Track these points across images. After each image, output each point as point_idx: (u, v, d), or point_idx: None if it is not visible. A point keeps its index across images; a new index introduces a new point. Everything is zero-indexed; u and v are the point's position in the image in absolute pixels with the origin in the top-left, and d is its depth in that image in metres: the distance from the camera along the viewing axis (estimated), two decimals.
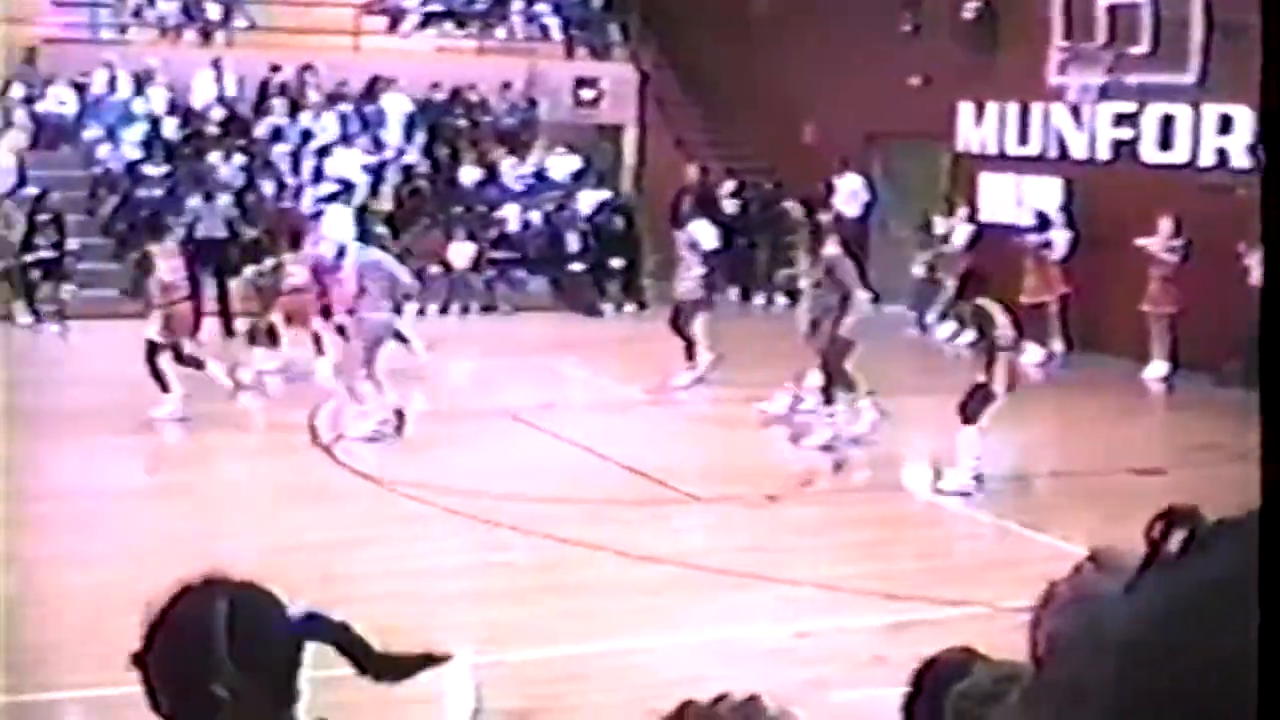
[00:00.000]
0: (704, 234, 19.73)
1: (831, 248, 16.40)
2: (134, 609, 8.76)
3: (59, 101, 27.40)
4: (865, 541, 12.87)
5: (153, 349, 16.88)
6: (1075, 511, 12.80)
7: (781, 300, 24.14)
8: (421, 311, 25.45)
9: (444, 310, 25.65)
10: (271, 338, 19.70)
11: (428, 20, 31.27)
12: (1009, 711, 2.08)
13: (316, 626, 2.89)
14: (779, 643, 10.20)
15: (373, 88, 28.97)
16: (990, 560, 12.66)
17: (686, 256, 19.59)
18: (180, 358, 17.04)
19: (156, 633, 2.82)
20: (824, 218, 17.64)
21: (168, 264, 17.50)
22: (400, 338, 17.49)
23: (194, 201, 24.22)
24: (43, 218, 24.11)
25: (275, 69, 28.46)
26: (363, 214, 23.71)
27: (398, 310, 16.73)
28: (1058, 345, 21.37)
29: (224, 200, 24.85)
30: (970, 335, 19.79)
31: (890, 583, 11.42)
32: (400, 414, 16.26)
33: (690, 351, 19.14)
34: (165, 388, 16.80)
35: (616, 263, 26.71)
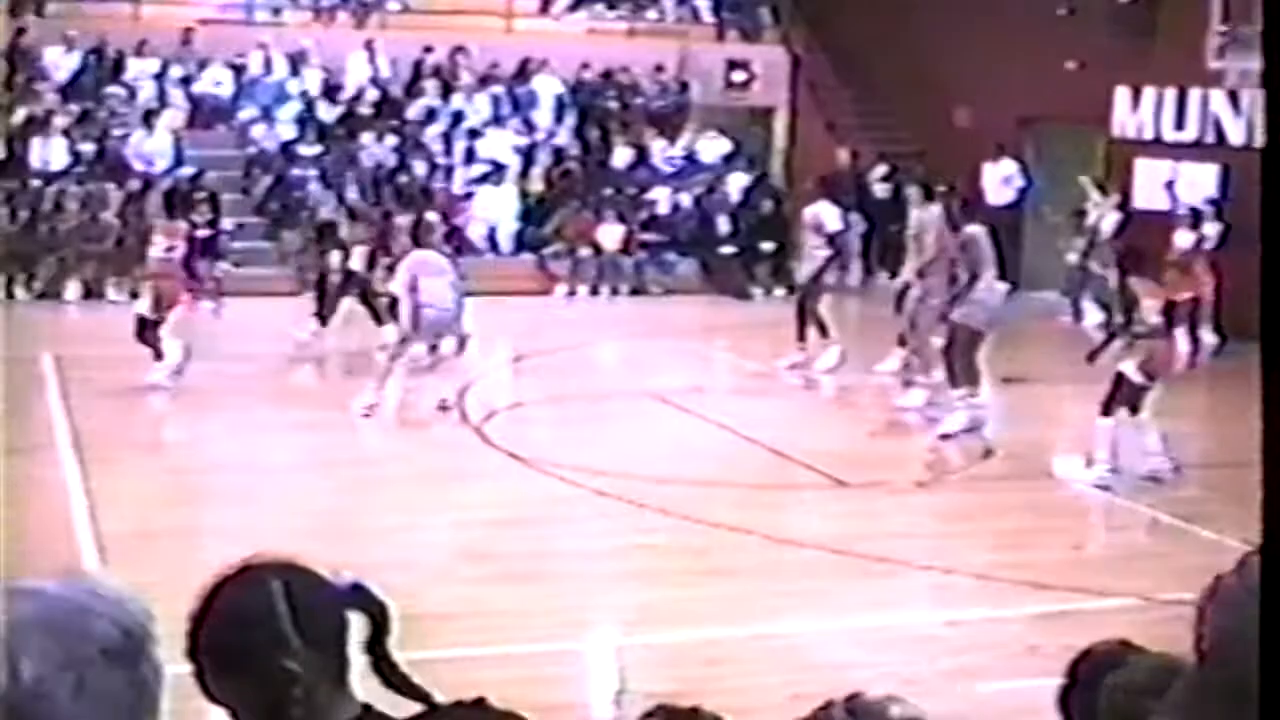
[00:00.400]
0: (828, 215, 19.53)
1: (973, 226, 16.27)
2: None
3: (215, 82, 27.73)
4: (1015, 530, 12.75)
5: (142, 324, 17.32)
6: (1226, 504, 12.61)
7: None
8: (572, 293, 25.62)
9: (594, 292, 25.72)
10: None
11: (579, 2, 31.32)
12: (1169, 705, 2.05)
13: (362, 597, 2.94)
14: (929, 630, 10.14)
15: (524, 69, 29.08)
16: (1140, 551, 12.52)
17: (810, 239, 19.48)
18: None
19: (209, 621, 2.86)
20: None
21: (165, 240, 17.92)
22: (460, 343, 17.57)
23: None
24: (198, 196, 24.41)
25: (428, 50, 28.64)
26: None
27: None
28: (1209, 336, 21.05)
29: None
30: (1097, 316, 19.60)
31: (1040, 572, 11.31)
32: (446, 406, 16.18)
33: (802, 334, 19.00)
34: (159, 355, 17.26)
35: (766, 246, 26.61)
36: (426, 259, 16.34)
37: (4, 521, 10.92)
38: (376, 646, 2.99)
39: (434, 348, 16.87)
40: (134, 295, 23.71)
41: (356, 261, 19.73)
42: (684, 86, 29.82)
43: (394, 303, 16.69)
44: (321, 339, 19.49)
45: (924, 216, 17.54)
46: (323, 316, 19.61)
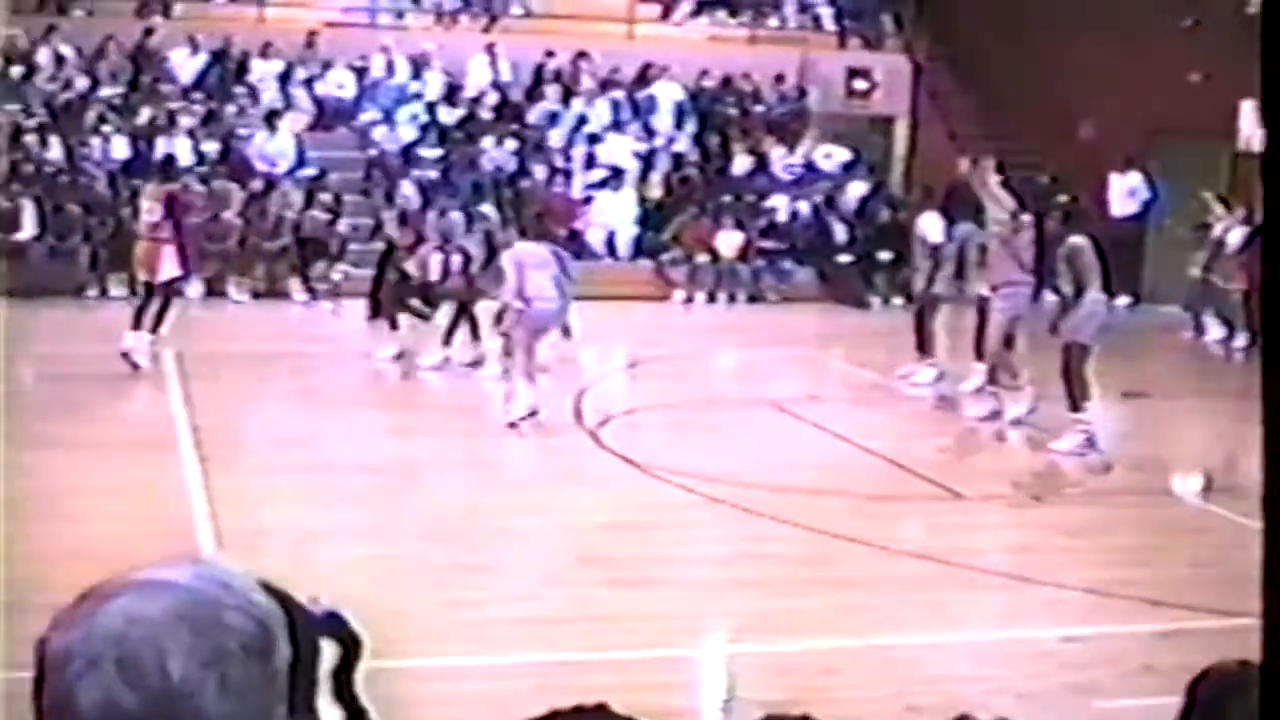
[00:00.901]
0: (930, 226, 19.35)
1: (1077, 238, 16.07)
2: (409, 580, 8.79)
3: (337, 85, 27.96)
4: (1133, 546, 12.59)
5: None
6: None
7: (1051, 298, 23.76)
8: (689, 299, 25.62)
9: (711, 299, 25.72)
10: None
11: (701, 8, 31.33)
12: None
13: (336, 626, 2.94)
14: (1044, 645, 10.04)
15: (645, 75, 29.12)
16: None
17: (916, 249, 19.38)
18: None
19: None
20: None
21: (149, 204, 18.23)
22: (565, 331, 17.53)
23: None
24: (320, 198, 24.61)
25: (549, 55, 28.74)
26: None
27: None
28: None
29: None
30: (1219, 331, 19.28)
31: (1159, 589, 11.17)
32: (535, 412, 15.75)
33: (922, 345, 18.90)
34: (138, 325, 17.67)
35: (884, 255, 26.50)
36: (530, 251, 16.30)
37: (125, 517, 11.05)
38: (344, 675, 2.99)
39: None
40: (255, 295, 24.06)
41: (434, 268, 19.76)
42: (803, 94, 29.76)
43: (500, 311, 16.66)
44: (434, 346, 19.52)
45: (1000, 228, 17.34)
46: (425, 315, 19.58)
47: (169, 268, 17.93)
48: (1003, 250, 16.99)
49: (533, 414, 15.56)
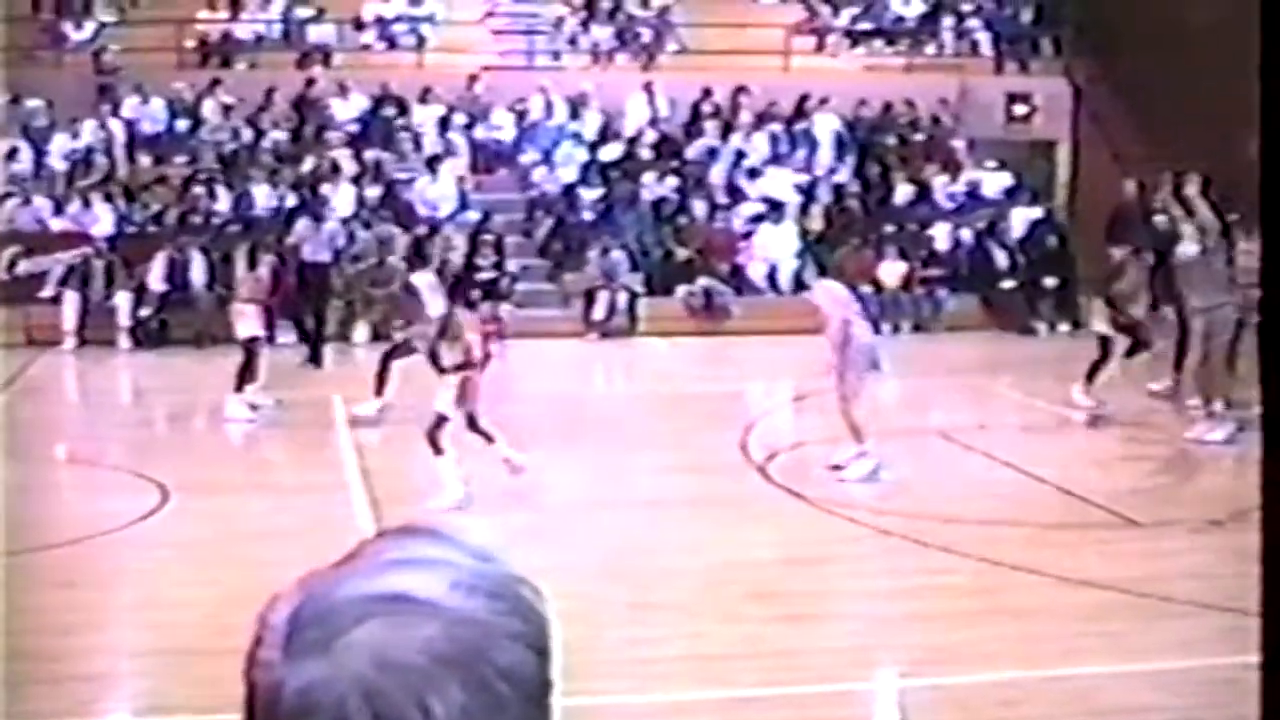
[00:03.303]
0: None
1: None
2: (585, 619, 8.79)
3: (497, 127, 28.18)
4: None
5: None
6: None
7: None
8: None
9: (875, 329, 25.52)
10: None
11: (857, 39, 31.27)
12: None
13: None
14: (1228, 674, 9.83)
15: (802, 107, 29.08)
16: None
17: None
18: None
19: None
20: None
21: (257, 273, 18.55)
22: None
23: (300, 225, 23.75)
24: (484, 240, 24.80)
25: (707, 91, 28.79)
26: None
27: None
28: None
29: (330, 225, 24.60)
30: None
31: None
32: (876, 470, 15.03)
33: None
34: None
35: (1050, 281, 26.23)
36: (838, 288, 16.19)
37: (304, 561, 11.14)
38: None
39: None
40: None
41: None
42: (963, 120, 29.57)
43: None
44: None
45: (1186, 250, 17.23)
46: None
47: (252, 326, 18.26)
48: (1204, 268, 16.83)
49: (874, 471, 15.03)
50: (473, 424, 14.00)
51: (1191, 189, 17.18)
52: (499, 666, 1.45)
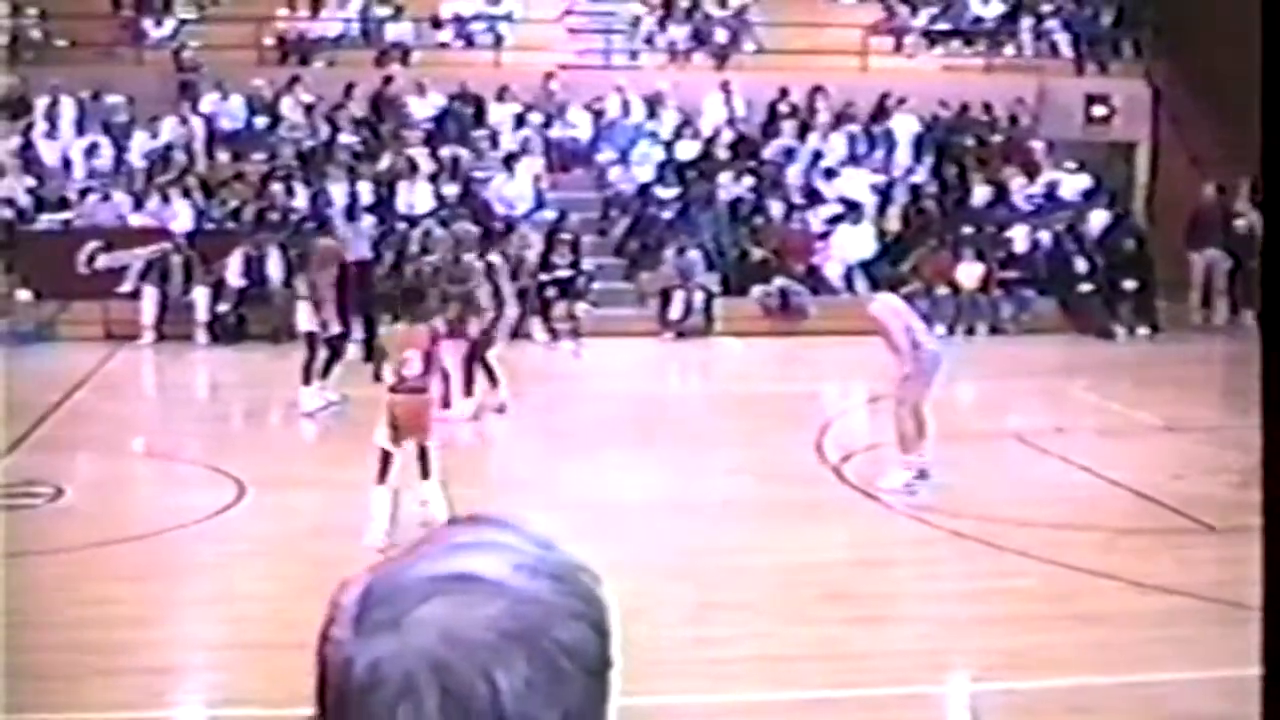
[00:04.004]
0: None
1: None
2: (654, 618, 8.79)
3: (573, 126, 28.22)
4: None
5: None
6: None
7: None
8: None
9: (950, 331, 25.46)
10: None
11: (935, 39, 31.16)
12: None
13: None
14: None
15: (880, 107, 29.00)
16: None
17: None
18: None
19: None
20: None
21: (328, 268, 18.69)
22: None
23: (339, 224, 23.94)
24: (561, 238, 24.83)
25: (784, 91, 28.76)
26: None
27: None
28: None
29: (367, 221, 24.72)
30: None
31: None
32: (924, 474, 14.74)
33: None
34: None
35: (1128, 284, 26.05)
36: (895, 300, 15.56)
37: (372, 556, 11.17)
38: None
39: None
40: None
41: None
42: (1041, 121, 29.42)
43: None
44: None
45: None
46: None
47: (306, 321, 18.56)
48: None
49: (922, 475, 14.69)
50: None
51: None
52: (561, 642, 1.49)
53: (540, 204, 26.26)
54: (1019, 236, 27.00)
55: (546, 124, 28.14)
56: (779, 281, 25.51)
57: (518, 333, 22.47)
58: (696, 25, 30.55)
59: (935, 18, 31.49)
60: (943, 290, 25.55)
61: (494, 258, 18.70)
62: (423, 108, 27.88)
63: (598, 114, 28.41)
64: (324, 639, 1.52)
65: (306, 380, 18.10)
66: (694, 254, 25.08)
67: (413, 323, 13.20)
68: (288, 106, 27.45)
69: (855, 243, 26.39)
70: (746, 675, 9.75)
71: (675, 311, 24.78)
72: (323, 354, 18.20)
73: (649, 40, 30.28)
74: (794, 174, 27.71)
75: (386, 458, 12.24)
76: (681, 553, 12.40)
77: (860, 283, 26.05)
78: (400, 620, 1.47)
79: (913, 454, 14.65)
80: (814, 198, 27.35)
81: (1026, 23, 31.34)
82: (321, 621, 1.53)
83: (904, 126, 28.77)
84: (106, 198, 25.42)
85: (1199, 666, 10.04)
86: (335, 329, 18.46)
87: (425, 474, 12.32)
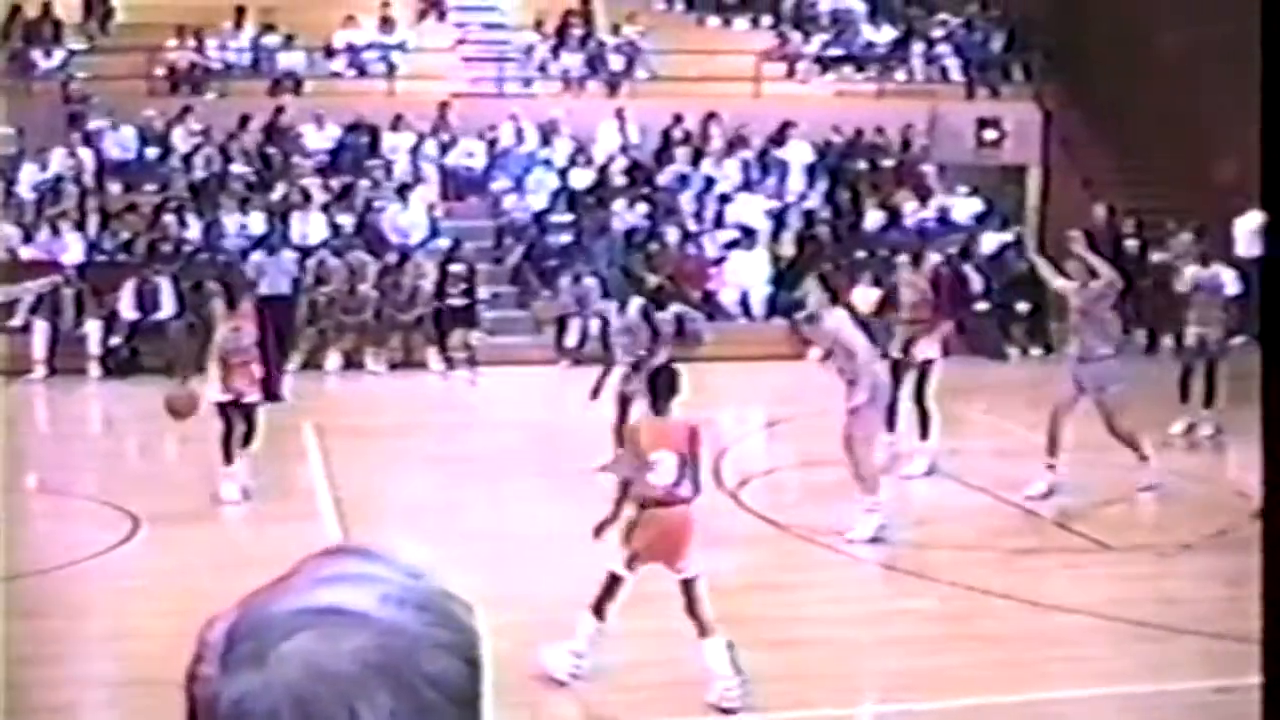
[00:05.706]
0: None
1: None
2: (526, 643, 8.70)
3: (467, 154, 28.18)
4: None
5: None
6: None
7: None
8: (825, 357, 25.43)
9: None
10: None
11: (827, 65, 31.35)
12: None
13: None
14: (1198, 697, 9.85)
15: (775, 134, 29.12)
16: None
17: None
18: None
19: None
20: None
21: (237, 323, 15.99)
22: None
23: (256, 256, 23.73)
24: (454, 268, 24.76)
25: (678, 118, 28.83)
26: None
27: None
28: None
29: (288, 255, 24.20)
30: None
31: None
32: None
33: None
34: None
35: (1022, 306, 26.26)
36: (844, 315, 15.03)
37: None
38: None
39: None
40: (392, 365, 24.22)
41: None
42: (934, 146, 29.63)
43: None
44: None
45: (1200, 274, 17.87)
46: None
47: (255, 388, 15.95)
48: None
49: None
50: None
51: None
52: (427, 674, 1.47)
53: (434, 233, 26.18)
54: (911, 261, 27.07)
55: (441, 153, 28.09)
56: (674, 308, 25.48)
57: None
58: (590, 53, 30.58)
59: (827, 44, 31.70)
60: None
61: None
62: (318, 138, 27.75)
63: (492, 142, 28.37)
64: (191, 677, 1.53)
65: (228, 459, 15.60)
66: (590, 281, 25.05)
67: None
68: (179, 137, 27.25)
69: (750, 269, 26.46)
70: (649, 702, 9.74)
71: (571, 339, 24.74)
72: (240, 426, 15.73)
73: (543, 68, 30.30)
74: (688, 200, 27.75)
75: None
76: (582, 581, 12.34)
77: (756, 308, 26.14)
78: (265, 655, 1.46)
79: (877, 494, 13.99)
80: (708, 224, 27.39)
81: (918, 48, 31.61)
82: (190, 659, 1.54)
83: (797, 152, 28.88)
84: None
85: (1096, 684, 10.13)
86: (253, 396, 15.81)
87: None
